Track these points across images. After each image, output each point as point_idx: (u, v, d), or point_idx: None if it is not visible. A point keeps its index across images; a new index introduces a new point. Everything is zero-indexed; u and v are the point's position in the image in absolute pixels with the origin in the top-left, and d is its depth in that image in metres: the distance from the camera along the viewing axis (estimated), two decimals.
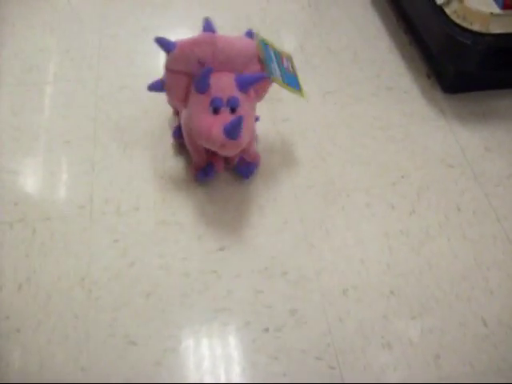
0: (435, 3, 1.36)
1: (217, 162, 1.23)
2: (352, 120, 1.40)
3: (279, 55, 1.20)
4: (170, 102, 1.29)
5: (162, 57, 1.50)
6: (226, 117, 1.08)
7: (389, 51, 1.60)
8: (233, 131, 1.06)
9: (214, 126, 1.08)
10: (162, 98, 1.40)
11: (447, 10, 1.33)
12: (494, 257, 1.17)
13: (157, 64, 1.51)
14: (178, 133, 1.28)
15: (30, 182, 1.26)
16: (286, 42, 1.62)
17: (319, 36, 1.63)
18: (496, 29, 1.29)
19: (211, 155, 1.22)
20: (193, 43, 1.10)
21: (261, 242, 1.17)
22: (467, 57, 1.34)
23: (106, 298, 1.09)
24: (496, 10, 1.29)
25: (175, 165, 1.29)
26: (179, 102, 1.17)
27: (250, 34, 1.19)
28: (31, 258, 1.13)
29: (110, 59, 1.53)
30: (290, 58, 1.24)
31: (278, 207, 1.22)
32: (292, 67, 1.23)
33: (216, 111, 1.09)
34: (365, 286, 1.11)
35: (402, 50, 1.60)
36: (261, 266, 1.13)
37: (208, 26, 1.14)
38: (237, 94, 1.11)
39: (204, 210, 1.21)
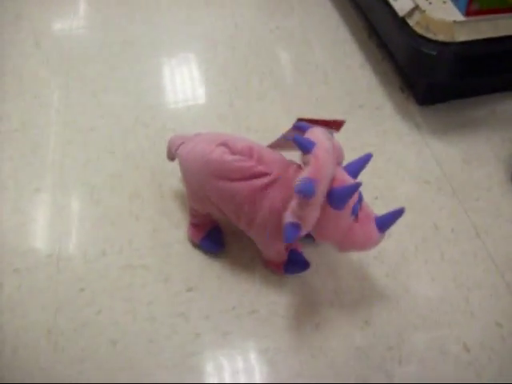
0: (398, 15, 1.32)
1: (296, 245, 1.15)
2: None
3: None
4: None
5: (130, 93, 1.53)
6: (365, 215, 0.97)
7: (361, 68, 1.56)
8: (389, 224, 0.97)
9: (373, 232, 0.96)
10: (128, 138, 1.40)
11: (410, 22, 1.29)
12: (475, 276, 1.12)
13: (124, 101, 1.51)
14: (210, 243, 1.18)
15: None
16: (255, 66, 1.59)
17: (289, 58, 1.60)
18: (461, 37, 1.24)
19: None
20: (322, 167, 0.91)
21: (229, 279, 1.13)
22: (434, 68, 1.29)
23: (73, 348, 1.06)
24: (459, 17, 1.24)
25: (141, 205, 1.26)
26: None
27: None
28: None
29: (77, 101, 1.52)
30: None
31: (244, 243, 1.18)
32: None
33: (356, 216, 0.96)
34: (337, 318, 1.07)
35: (375, 66, 1.56)
36: (229, 306, 1.09)
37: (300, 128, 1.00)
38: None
39: (171, 251, 1.18)
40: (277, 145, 1.08)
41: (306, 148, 0.92)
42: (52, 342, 1.07)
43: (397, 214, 0.96)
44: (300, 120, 1.04)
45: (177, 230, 1.22)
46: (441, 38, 1.25)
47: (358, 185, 0.92)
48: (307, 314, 1.08)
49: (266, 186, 0.98)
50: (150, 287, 1.13)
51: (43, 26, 1.78)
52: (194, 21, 1.77)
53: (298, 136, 0.94)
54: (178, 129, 1.41)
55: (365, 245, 0.99)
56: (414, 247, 1.16)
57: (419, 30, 1.27)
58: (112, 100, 1.52)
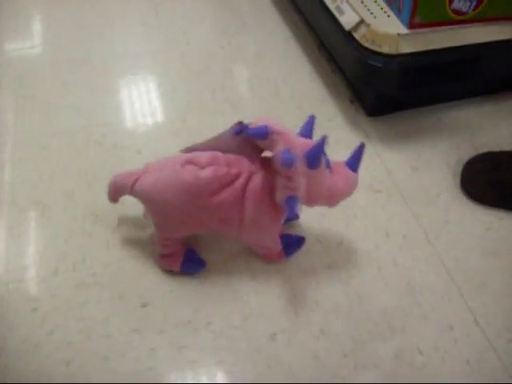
0: (344, 29, 1.35)
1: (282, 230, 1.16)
2: None
3: None
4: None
5: (82, 111, 1.52)
6: (336, 164, 1.04)
7: (311, 80, 1.58)
8: (358, 161, 1.06)
9: (350, 175, 1.04)
10: (80, 156, 1.39)
11: (356, 35, 1.32)
12: (427, 280, 1.14)
13: (76, 119, 1.50)
14: (191, 264, 1.16)
15: None
16: (206, 81, 1.60)
17: (240, 72, 1.62)
18: (405, 49, 1.27)
19: None
20: (288, 135, 0.97)
21: (184, 293, 1.12)
22: (381, 79, 1.32)
23: (25, 370, 1.03)
24: (403, 30, 1.28)
25: (95, 222, 1.25)
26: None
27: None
28: None
29: (28, 120, 1.50)
30: None
31: (200, 255, 1.18)
32: None
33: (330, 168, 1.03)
34: (293, 328, 1.07)
35: (325, 78, 1.59)
36: (184, 319, 1.09)
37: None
38: None
39: (124, 267, 1.17)
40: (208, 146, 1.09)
41: (261, 134, 0.97)
42: (2, 364, 1.04)
43: (360, 150, 1.04)
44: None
45: (130, 245, 1.20)
46: (386, 50, 1.28)
47: (324, 139, 0.97)
48: (263, 325, 1.08)
49: (244, 185, 1.01)
50: (104, 304, 1.11)
51: None
52: (145, 37, 1.78)
53: (250, 129, 0.99)
54: (131, 146, 1.40)
55: (349, 189, 1.05)
56: (367, 254, 1.18)
57: (365, 43, 1.30)
58: (64, 118, 1.50)
